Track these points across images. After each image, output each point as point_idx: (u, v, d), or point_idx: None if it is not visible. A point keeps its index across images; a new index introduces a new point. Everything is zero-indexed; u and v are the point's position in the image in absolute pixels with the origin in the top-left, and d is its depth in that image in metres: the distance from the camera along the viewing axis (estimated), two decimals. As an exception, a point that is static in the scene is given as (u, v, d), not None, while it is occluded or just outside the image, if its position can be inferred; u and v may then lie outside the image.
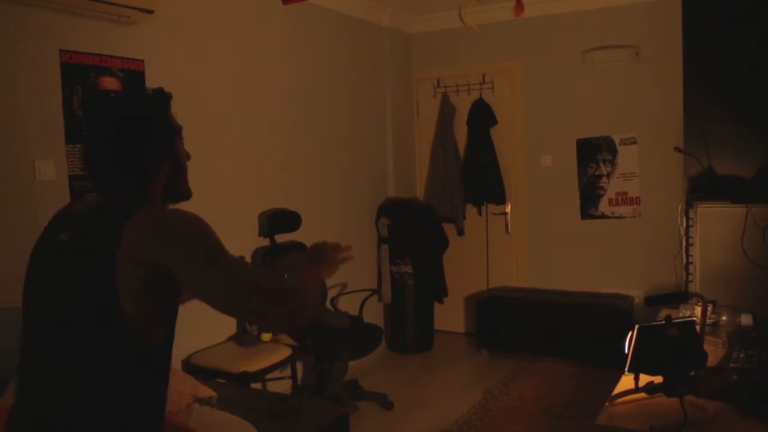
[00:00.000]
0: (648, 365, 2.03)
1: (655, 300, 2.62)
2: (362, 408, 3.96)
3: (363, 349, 3.98)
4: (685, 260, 3.76)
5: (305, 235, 4.04)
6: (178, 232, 1.32)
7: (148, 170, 1.41)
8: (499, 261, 5.46)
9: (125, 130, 1.39)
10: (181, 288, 1.37)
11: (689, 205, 3.71)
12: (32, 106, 2.76)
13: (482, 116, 5.33)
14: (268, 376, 3.62)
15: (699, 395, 2.00)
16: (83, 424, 1.31)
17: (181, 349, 3.43)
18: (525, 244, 5.34)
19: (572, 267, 5.12)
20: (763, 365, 2.30)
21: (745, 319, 3.01)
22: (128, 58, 3.15)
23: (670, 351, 2.02)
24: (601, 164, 4.96)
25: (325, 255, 1.64)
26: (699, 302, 2.80)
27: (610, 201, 4.95)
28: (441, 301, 5.31)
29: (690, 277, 3.68)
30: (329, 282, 4.42)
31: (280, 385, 3.88)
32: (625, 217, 4.91)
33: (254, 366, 3.34)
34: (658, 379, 2.03)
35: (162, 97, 1.52)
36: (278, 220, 3.97)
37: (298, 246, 4.03)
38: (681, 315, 2.98)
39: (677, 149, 4.07)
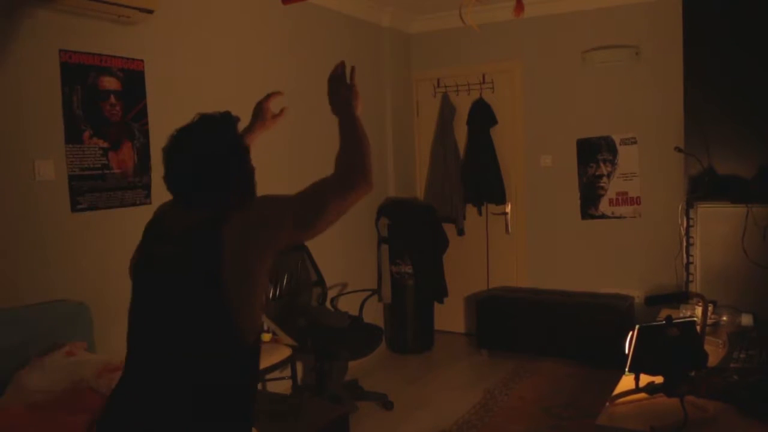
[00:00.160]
0: (648, 365, 2.03)
1: (656, 300, 2.62)
2: (362, 408, 3.96)
3: (363, 349, 3.98)
4: (685, 260, 3.76)
5: (305, 235, 4.03)
6: (264, 210, 1.53)
7: (230, 187, 1.58)
8: (499, 261, 5.46)
9: (215, 163, 1.56)
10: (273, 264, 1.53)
11: (689, 205, 3.71)
12: (32, 106, 2.76)
13: (482, 116, 5.33)
14: (268, 377, 3.62)
15: (699, 395, 2.00)
16: (186, 405, 1.47)
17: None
18: (525, 244, 5.34)
19: (572, 267, 5.12)
20: (764, 365, 2.30)
21: (746, 319, 3.01)
22: (128, 58, 3.15)
23: (671, 351, 2.02)
24: (602, 164, 4.96)
25: (351, 89, 1.83)
26: (699, 302, 2.79)
27: (611, 201, 4.95)
28: (441, 301, 5.31)
29: (690, 277, 3.68)
30: (329, 282, 4.42)
31: (280, 385, 3.88)
32: (625, 217, 4.91)
33: (254, 366, 3.33)
34: (658, 379, 2.03)
35: (234, 124, 1.65)
36: (278, 220, 3.95)
37: (298, 246, 4.03)
38: (681, 315, 2.98)
39: (677, 149, 4.07)
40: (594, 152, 4.97)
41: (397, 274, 5.09)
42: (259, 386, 3.78)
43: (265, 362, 3.41)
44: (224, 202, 1.54)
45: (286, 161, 4.21)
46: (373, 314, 4.92)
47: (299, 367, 4.19)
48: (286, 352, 3.57)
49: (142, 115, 3.22)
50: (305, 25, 4.39)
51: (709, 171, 3.84)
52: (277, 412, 2.53)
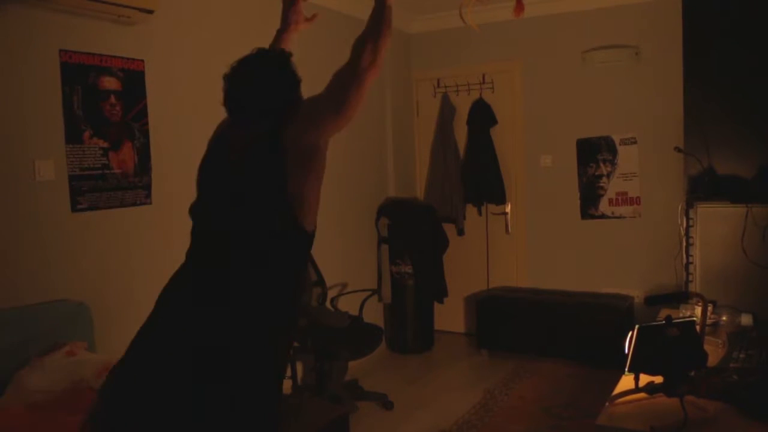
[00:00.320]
0: (648, 365, 2.03)
1: (656, 300, 2.63)
2: (362, 408, 3.96)
3: (363, 349, 3.98)
4: (685, 260, 3.76)
5: (305, 235, 4.03)
6: (306, 110, 1.77)
7: (284, 109, 1.79)
8: (499, 261, 5.46)
9: (272, 90, 1.81)
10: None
11: (689, 205, 3.71)
12: (32, 106, 2.76)
13: (482, 116, 5.33)
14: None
15: (699, 395, 2.00)
16: (239, 282, 1.69)
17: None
18: (525, 244, 5.34)
19: (572, 267, 5.12)
20: (763, 365, 2.30)
21: (745, 319, 3.01)
22: (128, 58, 3.15)
23: (671, 351, 2.02)
24: (601, 164, 4.96)
25: None
26: (699, 302, 2.80)
27: (611, 201, 4.95)
28: (441, 301, 5.31)
29: (690, 277, 3.68)
30: (329, 282, 4.42)
31: (280, 385, 3.88)
32: (625, 217, 4.91)
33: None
34: (658, 379, 2.03)
35: (288, 59, 1.89)
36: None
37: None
38: (681, 315, 2.98)
39: (677, 149, 4.07)
40: (594, 152, 4.97)
41: (397, 274, 5.09)
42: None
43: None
44: (279, 119, 1.76)
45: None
46: (373, 314, 4.92)
47: (299, 367, 4.19)
48: (286, 352, 3.56)
49: (143, 115, 3.22)
50: (305, 25, 4.38)
51: (709, 171, 3.84)
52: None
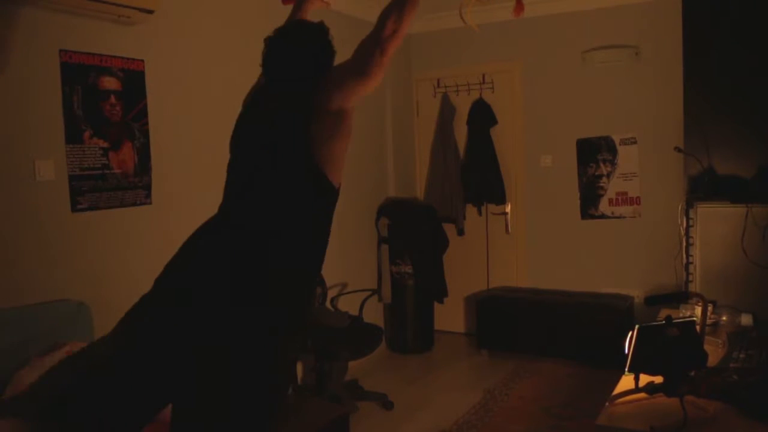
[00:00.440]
0: (648, 365, 2.03)
1: (655, 300, 2.63)
2: (362, 408, 3.96)
3: (363, 349, 3.98)
4: (685, 260, 3.76)
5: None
6: (335, 75, 1.92)
7: (318, 75, 1.95)
8: (499, 261, 5.46)
9: (309, 58, 1.98)
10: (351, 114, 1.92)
11: (689, 205, 3.71)
12: (32, 106, 2.76)
13: (482, 116, 5.33)
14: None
15: (699, 395, 2.00)
16: (272, 232, 1.82)
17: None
18: (525, 244, 5.34)
19: (572, 267, 5.12)
20: (763, 365, 2.30)
21: (745, 319, 3.01)
22: (128, 58, 3.15)
23: (670, 351, 2.02)
24: (601, 164, 4.96)
25: None
26: (699, 302, 2.80)
27: (610, 201, 4.95)
28: (441, 301, 5.31)
29: (690, 277, 3.68)
30: (329, 282, 4.42)
31: (280, 385, 3.88)
32: (625, 217, 4.91)
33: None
34: (658, 379, 2.03)
35: (326, 32, 2.11)
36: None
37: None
38: (681, 315, 2.98)
39: (677, 149, 4.08)
40: (594, 152, 4.97)
41: (397, 274, 5.09)
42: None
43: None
44: (311, 84, 1.90)
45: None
46: (373, 314, 4.92)
47: (299, 366, 4.19)
48: (286, 352, 3.56)
49: (143, 115, 3.23)
50: (305, 25, 4.38)
51: (709, 171, 3.84)
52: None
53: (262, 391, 1.76)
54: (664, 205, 4.63)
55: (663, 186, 4.70)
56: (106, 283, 3.04)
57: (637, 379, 2.06)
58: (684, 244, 3.82)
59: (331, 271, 4.49)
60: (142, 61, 3.22)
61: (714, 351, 2.47)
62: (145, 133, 3.24)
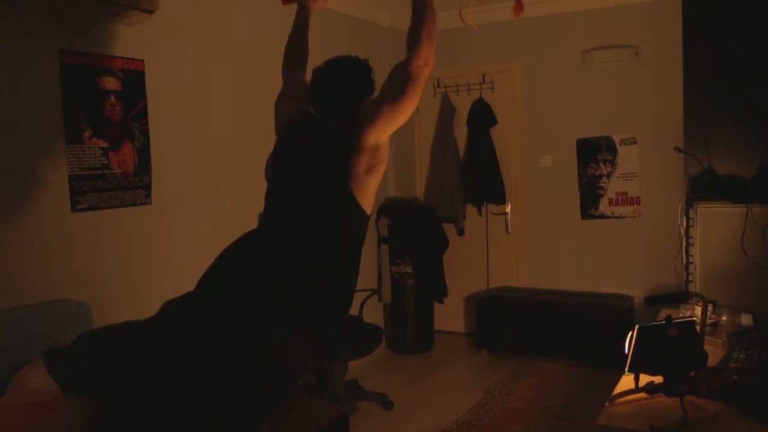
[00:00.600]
0: (648, 365, 2.03)
1: (655, 300, 2.63)
2: (362, 408, 3.96)
3: (363, 349, 3.98)
4: (685, 260, 3.76)
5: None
6: (372, 104, 2.13)
7: (360, 104, 2.15)
8: (499, 261, 5.46)
9: (354, 90, 2.19)
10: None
11: (689, 205, 3.71)
12: (32, 106, 2.76)
13: (482, 116, 5.33)
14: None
15: (699, 395, 2.00)
16: (312, 244, 2.00)
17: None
18: (525, 244, 5.34)
19: (572, 267, 5.12)
20: (763, 365, 2.30)
21: (745, 319, 3.01)
22: (128, 58, 3.15)
23: (670, 351, 2.02)
24: (601, 164, 4.96)
25: None
26: (699, 302, 2.80)
27: (610, 201, 4.95)
28: (441, 301, 5.31)
29: (690, 277, 3.68)
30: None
31: (280, 385, 3.88)
32: (625, 217, 4.91)
33: (254, 366, 3.33)
34: (658, 379, 2.03)
35: (368, 67, 2.33)
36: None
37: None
38: (681, 315, 2.98)
39: (677, 149, 4.07)
40: (594, 152, 4.97)
41: (397, 274, 5.09)
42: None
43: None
44: (352, 116, 2.06)
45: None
46: (373, 314, 4.92)
47: (299, 367, 4.18)
48: (286, 352, 3.56)
49: (143, 115, 3.22)
50: (305, 25, 4.38)
51: (709, 171, 3.84)
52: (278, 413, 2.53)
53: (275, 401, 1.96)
54: (664, 205, 4.63)
55: (663, 186, 4.70)
56: (106, 283, 3.04)
57: (637, 379, 2.06)
58: (684, 244, 3.81)
59: (331, 271, 4.48)
60: (142, 61, 3.21)
61: (714, 351, 2.47)
62: (145, 133, 3.23)
